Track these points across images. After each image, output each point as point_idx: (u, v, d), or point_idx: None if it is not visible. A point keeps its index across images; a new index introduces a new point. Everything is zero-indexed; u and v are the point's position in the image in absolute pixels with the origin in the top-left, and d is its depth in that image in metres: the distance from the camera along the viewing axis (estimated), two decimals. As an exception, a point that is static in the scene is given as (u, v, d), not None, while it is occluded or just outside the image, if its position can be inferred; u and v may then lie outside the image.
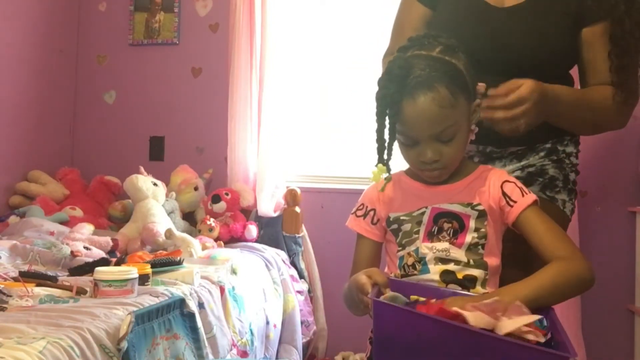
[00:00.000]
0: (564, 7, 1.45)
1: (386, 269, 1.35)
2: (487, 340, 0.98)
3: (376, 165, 1.29)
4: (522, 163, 1.52)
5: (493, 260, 1.26)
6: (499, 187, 1.29)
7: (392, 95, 1.21)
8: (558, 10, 1.45)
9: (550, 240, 1.23)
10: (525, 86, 1.30)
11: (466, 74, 1.24)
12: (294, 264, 2.92)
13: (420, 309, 1.06)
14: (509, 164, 1.52)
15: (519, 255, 1.31)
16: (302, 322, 2.75)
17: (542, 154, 1.52)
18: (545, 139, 1.51)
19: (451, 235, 1.26)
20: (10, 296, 1.63)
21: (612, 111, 1.45)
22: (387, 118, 1.25)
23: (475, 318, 1.00)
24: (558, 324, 1.08)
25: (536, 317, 1.03)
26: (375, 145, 1.27)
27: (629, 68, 1.41)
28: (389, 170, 1.30)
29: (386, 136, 1.26)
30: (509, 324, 0.99)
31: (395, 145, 1.28)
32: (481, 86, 1.30)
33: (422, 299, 1.17)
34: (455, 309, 1.02)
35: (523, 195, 1.28)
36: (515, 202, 1.27)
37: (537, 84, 1.32)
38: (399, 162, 1.32)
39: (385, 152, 1.27)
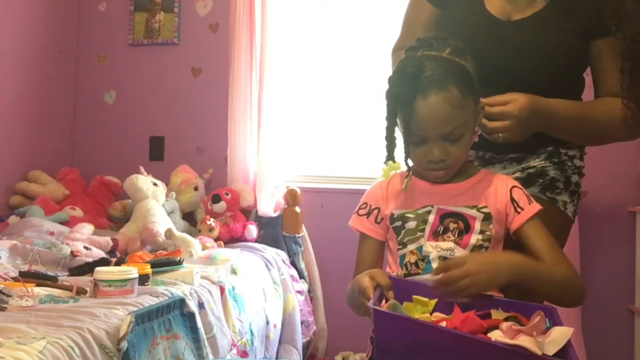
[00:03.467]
0: (571, 23, 1.44)
1: (387, 268, 1.35)
2: (485, 347, 0.98)
3: (385, 163, 1.30)
4: (522, 165, 1.52)
5: None
6: (507, 191, 1.30)
7: (405, 94, 1.22)
8: (564, 25, 1.44)
9: (551, 256, 1.25)
10: (514, 103, 1.33)
11: (474, 76, 1.26)
12: (294, 264, 2.92)
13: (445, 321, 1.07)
14: (509, 167, 1.52)
15: None
16: (302, 322, 2.75)
17: (542, 156, 1.51)
18: (547, 144, 1.51)
19: (456, 235, 1.26)
20: (10, 296, 1.63)
21: (619, 124, 1.43)
22: (397, 116, 1.25)
23: (496, 336, 1.00)
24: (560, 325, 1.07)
25: (570, 329, 1.01)
26: (384, 143, 1.28)
27: None
28: (408, 167, 1.31)
29: (396, 134, 1.27)
30: (550, 348, 0.97)
31: (399, 143, 1.29)
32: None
33: (424, 299, 1.17)
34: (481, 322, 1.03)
35: (529, 204, 1.29)
36: (522, 209, 1.28)
37: (530, 103, 1.34)
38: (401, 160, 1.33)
39: (399, 149, 1.28)
